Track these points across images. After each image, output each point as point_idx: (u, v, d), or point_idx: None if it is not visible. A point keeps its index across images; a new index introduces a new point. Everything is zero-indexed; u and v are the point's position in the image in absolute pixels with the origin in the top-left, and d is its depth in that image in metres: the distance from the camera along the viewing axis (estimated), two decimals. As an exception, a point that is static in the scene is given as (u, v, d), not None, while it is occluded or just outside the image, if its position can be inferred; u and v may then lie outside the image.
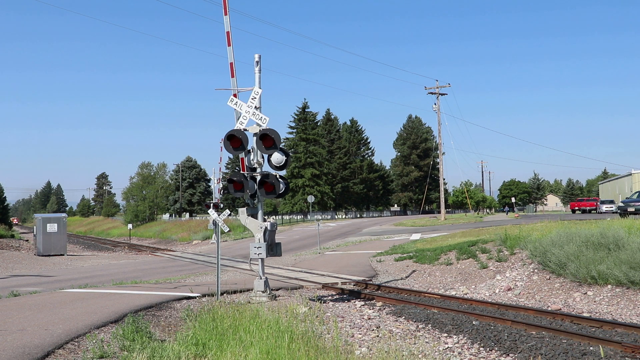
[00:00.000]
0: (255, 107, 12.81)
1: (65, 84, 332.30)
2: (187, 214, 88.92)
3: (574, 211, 55.37)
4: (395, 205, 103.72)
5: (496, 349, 8.89)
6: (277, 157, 12.98)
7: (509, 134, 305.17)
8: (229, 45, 13.14)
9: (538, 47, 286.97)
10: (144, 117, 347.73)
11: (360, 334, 10.04)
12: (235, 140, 12.69)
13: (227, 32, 13.07)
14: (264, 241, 12.75)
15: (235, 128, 12.80)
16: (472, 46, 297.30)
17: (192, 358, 7.13)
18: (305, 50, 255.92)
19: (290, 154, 18.43)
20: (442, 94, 54.41)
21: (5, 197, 61.23)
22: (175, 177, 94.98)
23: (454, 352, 8.85)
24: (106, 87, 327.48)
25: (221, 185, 46.19)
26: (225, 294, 13.53)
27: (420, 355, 8.32)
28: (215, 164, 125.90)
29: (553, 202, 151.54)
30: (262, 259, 13.00)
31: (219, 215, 12.79)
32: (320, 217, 73.15)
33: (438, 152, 61.69)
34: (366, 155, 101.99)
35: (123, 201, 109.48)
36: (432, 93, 54.55)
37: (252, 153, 13.11)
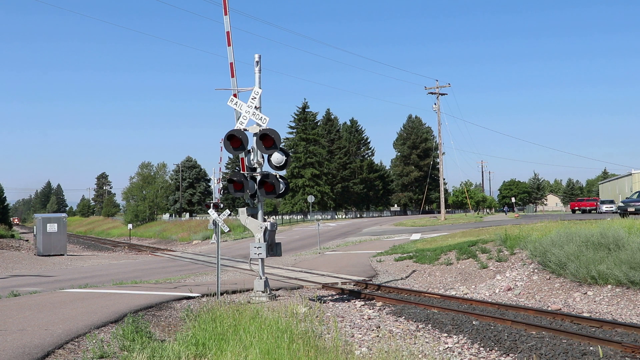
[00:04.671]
0: (255, 107, 12.82)
1: (65, 84, 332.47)
2: (187, 214, 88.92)
3: (574, 211, 55.37)
4: (395, 205, 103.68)
5: (496, 349, 8.89)
6: (277, 157, 12.98)
7: (509, 134, 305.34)
8: (229, 45, 13.15)
9: (538, 47, 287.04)
10: (144, 117, 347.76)
11: (360, 334, 10.04)
12: (235, 140, 12.69)
13: (227, 32, 13.07)
14: (264, 241, 12.75)
15: (235, 128, 12.81)
16: (472, 46, 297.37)
17: (192, 358, 7.13)
18: (305, 50, 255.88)
19: (290, 154, 18.43)
20: (442, 94, 54.43)
21: (5, 197, 61.28)
22: (175, 177, 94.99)
23: (454, 352, 8.85)
24: (106, 87, 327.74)
25: (221, 185, 46.19)
26: (225, 294, 13.53)
27: (420, 355, 8.32)
28: (215, 164, 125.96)
29: (553, 202, 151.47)
30: (262, 259, 13.01)
31: (219, 215, 12.79)
32: (320, 217, 73.16)
33: (438, 152, 61.70)
34: (366, 155, 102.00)
35: (123, 201, 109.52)
36: (432, 93, 54.56)
37: (252, 153, 13.11)
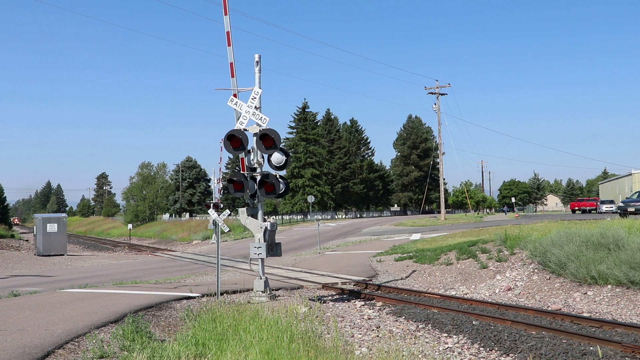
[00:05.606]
0: (255, 107, 12.82)
1: (65, 84, 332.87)
2: (187, 214, 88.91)
3: (574, 211, 55.38)
4: (395, 205, 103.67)
5: (496, 349, 8.89)
6: (277, 157, 12.99)
7: (509, 134, 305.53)
8: (229, 45, 13.15)
9: (538, 47, 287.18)
10: (144, 117, 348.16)
11: (360, 334, 10.04)
12: (235, 140, 12.69)
13: (227, 32, 13.07)
14: (264, 241, 12.75)
15: (235, 128, 12.81)
16: (472, 46, 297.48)
17: (192, 358, 7.13)
18: (305, 50, 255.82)
19: (290, 154, 18.43)
20: (442, 94, 54.42)
21: (5, 197, 61.28)
22: (175, 177, 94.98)
23: (454, 352, 8.85)
24: (106, 87, 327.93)
25: (221, 185, 46.17)
26: (225, 294, 13.53)
27: (420, 355, 8.32)
28: (215, 164, 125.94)
29: (553, 202, 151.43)
30: (262, 259, 13.01)
31: (219, 215, 12.78)
32: (320, 217, 73.15)
33: (438, 152, 61.69)
34: (366, 155, 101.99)
35: (123, 201, 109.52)
36: (432, 93, 54.54)
37: (252, 153, 13.11)
